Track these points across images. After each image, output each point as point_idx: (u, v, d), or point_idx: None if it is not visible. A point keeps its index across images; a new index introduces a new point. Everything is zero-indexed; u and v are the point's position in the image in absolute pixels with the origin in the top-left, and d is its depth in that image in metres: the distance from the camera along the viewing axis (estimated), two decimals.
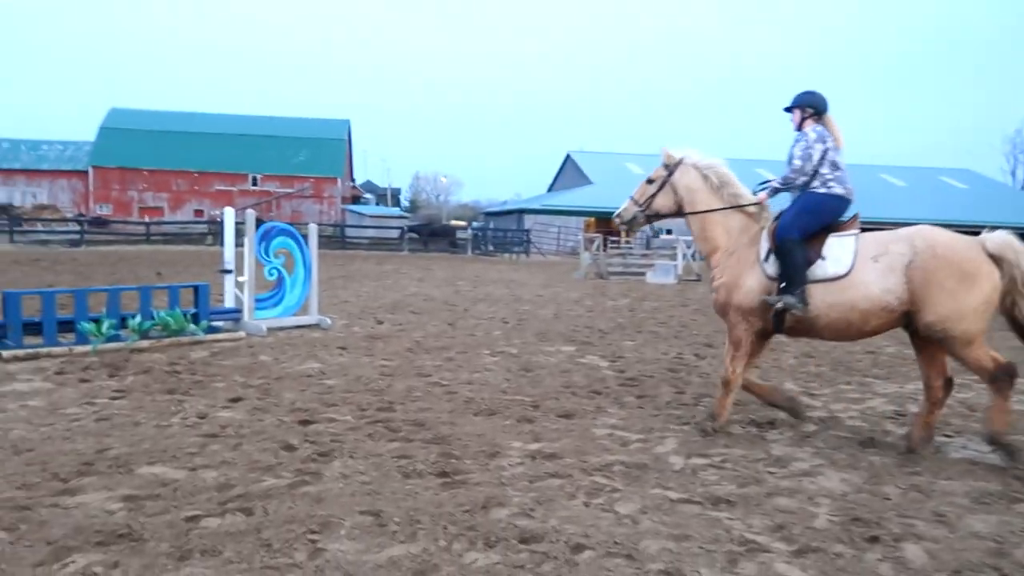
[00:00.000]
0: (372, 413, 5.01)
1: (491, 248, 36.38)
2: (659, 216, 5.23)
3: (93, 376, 5.92)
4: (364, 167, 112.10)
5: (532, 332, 9.01)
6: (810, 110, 4.83)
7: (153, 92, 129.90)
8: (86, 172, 50.33)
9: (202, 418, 4.78)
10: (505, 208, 55.74)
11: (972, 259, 4.25)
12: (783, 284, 4.52)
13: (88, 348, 6.77)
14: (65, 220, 38.25)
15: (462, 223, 61.27)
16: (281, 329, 8.50)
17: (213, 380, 5.90)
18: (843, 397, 5.94)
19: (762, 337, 4.93)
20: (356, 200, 64.25)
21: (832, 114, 4.84)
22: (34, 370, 6.09)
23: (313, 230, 9.16)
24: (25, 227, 33.78)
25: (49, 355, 6.57)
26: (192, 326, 7.50)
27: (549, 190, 59.27)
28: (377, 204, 72.77)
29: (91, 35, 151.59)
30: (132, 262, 19.60)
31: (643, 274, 19.62)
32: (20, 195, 49.56)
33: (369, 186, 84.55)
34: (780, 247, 4.57)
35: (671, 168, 5.11)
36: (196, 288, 7.87)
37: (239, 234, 8.63)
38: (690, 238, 22.80)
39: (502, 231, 41.23)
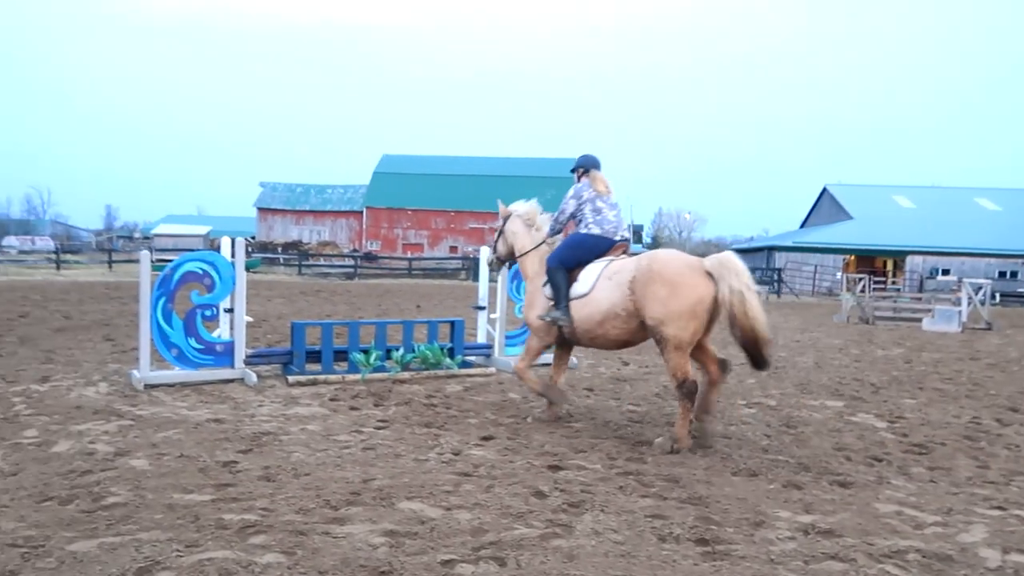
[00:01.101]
0: (622, 463, 4.80)
1: None
2: (503, 260, 6.64)
3: (361, 404, 6.36)
4: None
5: (791, 382, 8.29)
6: (581, 169, 6.04)
7: (421, 138, 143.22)
8: (361, 212, 56.33)
9: (456, 455, 4.88)
10: (753, 245, 53.36)
11: (681, 273, 5.06)
12: (552, 303, 5.68)
13: (358, 377, 7.32)
14: (342, 255, 42.94)
15: None
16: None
17: (466, 416, 6.06)
18: None
19: (561, 346, 6.02)
20: None
21: (602, 170, 6.00)
22: (313, 395, 6.68)
23: None
24: (311, 261, 38.44)
25: (326, 382, 7.19)
26: (448, 360, 7.84)
27: (802, 226, 55.77)
28: None
29: (368, 93, 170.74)
30: (396, 295, 21.33)
31: (918, 320, 17.50)
32: (308, 233, 56.66)
33: None
34: (547, 274, 5.79)
35: (504, 220, 6.45)
36: (452, 323, 8.24)
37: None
38: (974, 280, 20.09)
39: (750, 269, 39.37)
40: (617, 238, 5.75)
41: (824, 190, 51.68)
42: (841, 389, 7.97)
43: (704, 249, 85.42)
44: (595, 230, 5.72)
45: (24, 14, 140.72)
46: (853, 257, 40.90)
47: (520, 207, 6.39)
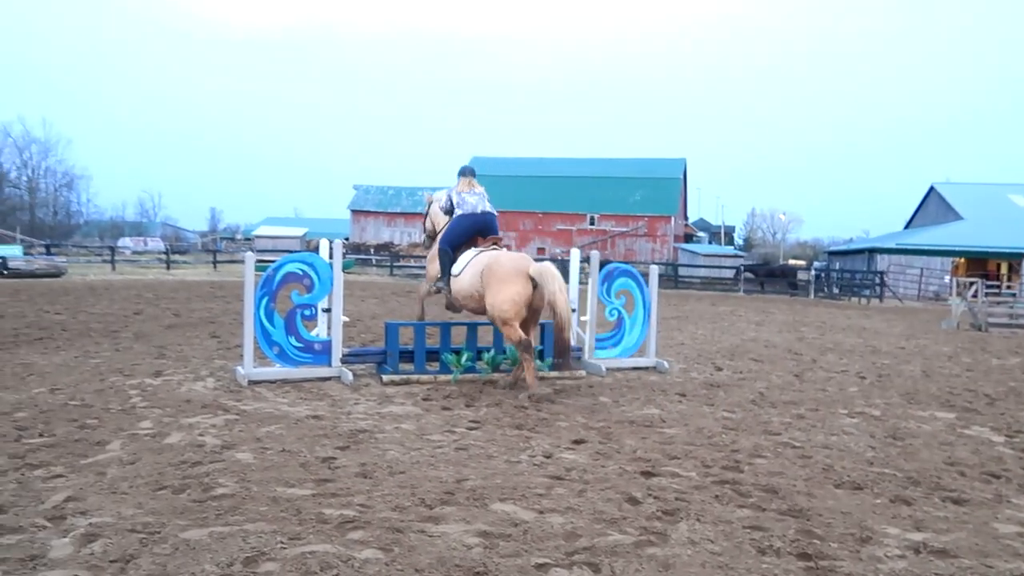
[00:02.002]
0: (718, 472, 4.68)
1: (836, 291, 33.49)
2: (431, 236, 8.52)
3: (453, 405, 6.44)
4: (697, 205, 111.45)
5: (897, 391, 7.90)
6: (460, 175, 7.98)
7: (509, 139, 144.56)
8: None
9: (548, 458, 4.88)
10: (852, 247, 51.24)
11: (508, 273, 6.78)
12: (442, 275, 7.67)
13: (449, 377, 7.42)
14: None
15: (802, 263, 57.72)
16: (619, 370, 8.54)
17: (557, 419, 6.05)
18: None
19: (453, 310, 8.12)
20: (689, 238, 64.02)
21: (468, 175, 7.96)
22: (406, 394, 6.81)
23: (654, 271, 9.10)
24: (402, 262, 39.25)
25: (418, 381, 7.33)
26: (538, 362, 7.84)
27: (906, 227, 53.15)
28: (710, 242, 71.79)
29: (457, 94, 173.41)
30: None
31: None
32: (399, 234, 57.95)
33: (702, 224, 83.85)
34: (439, 254, 7.72)
35: (429, 205, 8.61)
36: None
37: (581, 273, 8.92)
38: None
39: (849, 272, 37.77)
40: (479, 211, 7.73)
41: (931, 189, 49.08)
42: (952, 400, 7.54)
43: (801, 250, 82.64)
44: (459, 211, 7.79)
45: (131, 37, 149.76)
46: (963, 260, 38.64)
47: (439, 195, 8.46)
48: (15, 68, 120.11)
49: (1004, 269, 39.20)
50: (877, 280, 32.49)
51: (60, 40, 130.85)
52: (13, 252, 27.82)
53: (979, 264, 38.63)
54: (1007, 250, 37.33)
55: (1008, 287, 35.29)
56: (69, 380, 6.86)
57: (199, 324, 11.73)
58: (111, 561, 3.08)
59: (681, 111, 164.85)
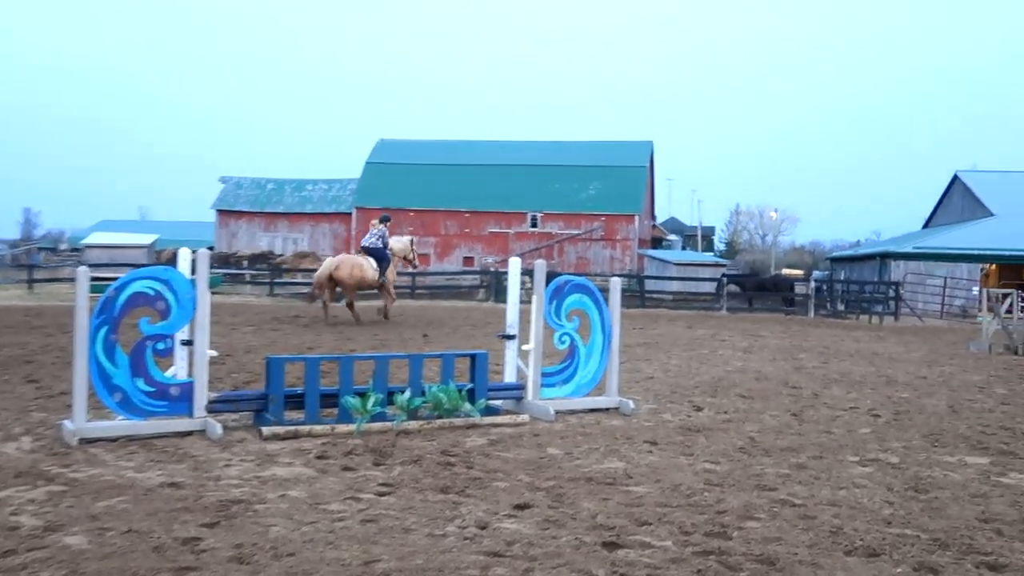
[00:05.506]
0: (699, 539, 4.78)
1: (841, 307, 34.56)
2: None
3: (357, 463, 6.41)
4: (668, 200, 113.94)
5: (918, 432, 8.20)
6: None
7: (424, 124, 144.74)
8: (349, 214, 56.69)
9: (482, 528, 4.90)
10: (860, 251, 53.05)
11: (329, 262, 19.67)
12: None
13: (351, 428, 7.37)
14: None
15: (798, 272, 59.38)
16: (572, 412, 8.62)
17: (493, 478, 6.08)
18: None
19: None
20: (657, 243, 65.13)
21: (376, 220, 20.58)
22: (294, 452, 6.74)
23: (615, 285, 9.25)
24: (285, 278, 38.80)
25: (310, 434, 7.25)
26: (467, 405, 7.87)
27: (925, 226, 55.33)
28: (684, 248, 73.18)
29: (361, 70, 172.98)
30: (396, 321, 21.44)
31: None
32: (281, 241, 57.26)
33: (674, 224, 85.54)
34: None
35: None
36: (473, 357, 8.28)
37: (522, 288, 8.99)
38: None
39: (857, 283, 39.07)
40: (364, 245, 20.32)
41: (955, 179, 51.24)
42: (985, 441, 7.87)
43: (797, 257, 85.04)
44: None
45: None
46: (994, 266, 40.40)
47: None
48: None
49: None
50: (891, 293, 33.65)
51: None
52: None
53: (1014, 271, 40.37)
54: None
55: None
56: None
57: (9, 364, 11.37)
58: None
59: (646, 93, 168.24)
